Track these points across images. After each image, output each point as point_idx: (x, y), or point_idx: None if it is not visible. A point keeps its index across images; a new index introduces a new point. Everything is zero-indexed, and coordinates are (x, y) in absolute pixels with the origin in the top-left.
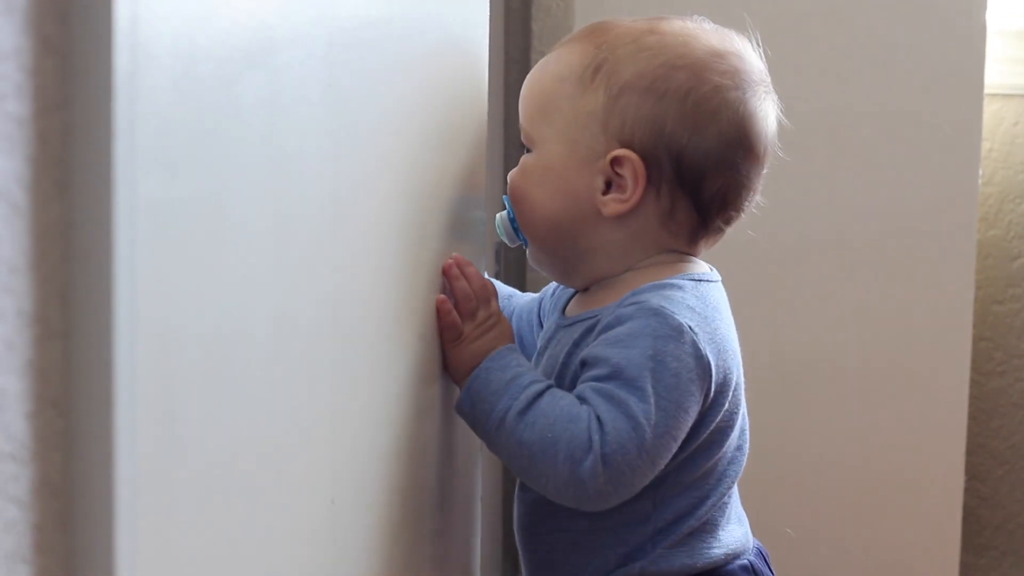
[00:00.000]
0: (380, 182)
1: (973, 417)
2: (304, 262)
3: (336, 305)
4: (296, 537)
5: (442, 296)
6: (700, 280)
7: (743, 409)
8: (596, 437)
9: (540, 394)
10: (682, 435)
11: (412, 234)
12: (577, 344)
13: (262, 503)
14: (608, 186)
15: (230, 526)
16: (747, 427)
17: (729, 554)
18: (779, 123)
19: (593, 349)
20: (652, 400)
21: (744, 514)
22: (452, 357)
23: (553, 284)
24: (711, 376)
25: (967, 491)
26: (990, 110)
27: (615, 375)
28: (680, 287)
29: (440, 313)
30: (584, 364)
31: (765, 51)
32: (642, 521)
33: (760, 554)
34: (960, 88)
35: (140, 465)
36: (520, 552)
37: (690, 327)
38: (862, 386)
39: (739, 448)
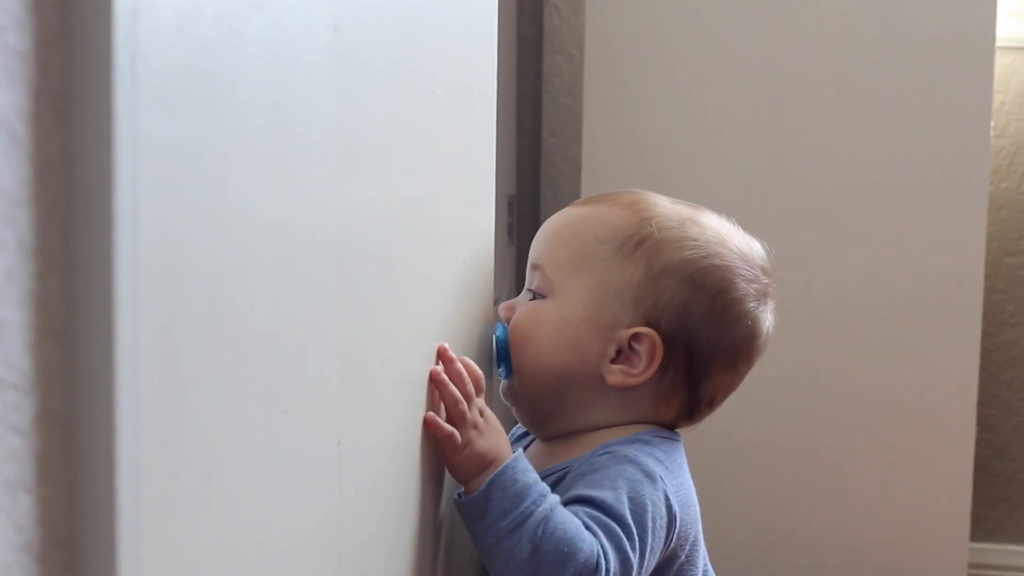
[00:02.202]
0: (385, 125)
1: (985, 369)
2: (308, 203)
3: (342, 245)
4: (303, 476)
5: (429, 414)
6: (665, 437)
7: (708, 565)
8: (603, 565)
9: (558, 505)
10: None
11: (419, 175)
12: None
13: (267, 435)
14: (617, 355)
15: (234, 457)
16: None
17: None
18: (797, 75)
19: (572, 493)
20: (637, 540)
21: None
22: (458, 463)
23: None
24: (675, 526)
25: (979, 442)
26: (1002, 63)
27: (605, 511)
28: (648, 441)
29: (432, 429)
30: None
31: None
32: None
33: None
34: (972, 41)
35: (142, 395)
36: None
37: (661, 476)
38: (874, 339)
39: None
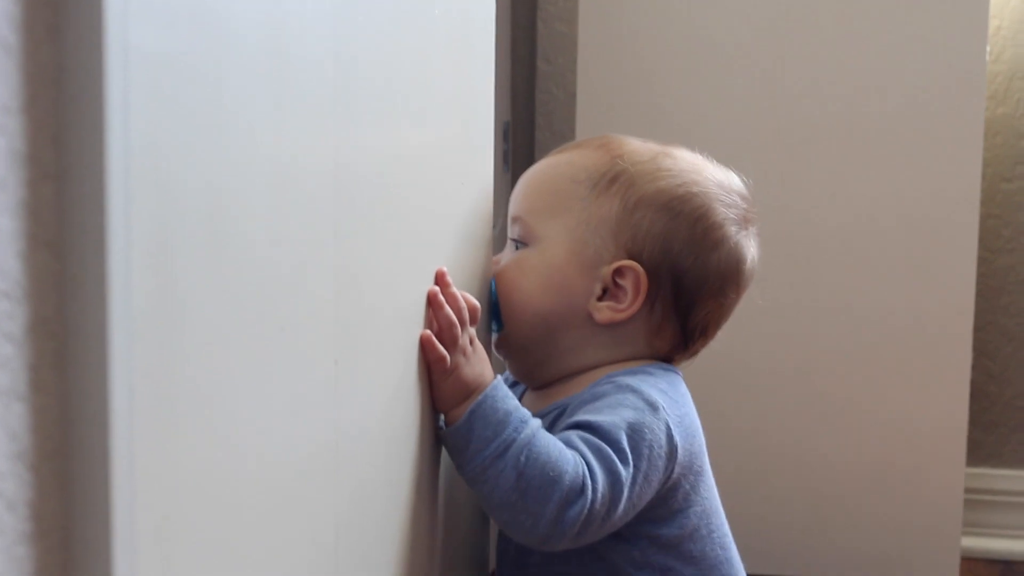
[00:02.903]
0: (383, 45)
1: (981, 294)
2: (304, 122)
3: (339, 164)
4: (300, 394)
5: (426, 332)
6: (666, 370)
7: (714, 494)
8: (589, 485)
9: (540, 430)
10: (641, 505)
11: (417, 96)
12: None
13: (263, 352)
14: (604, 293)
15: (229, 373)
16: (717, 511)
17: None
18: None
19: (572, 419)
20: (631, 464)
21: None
22: (443, 388)
23: None
24: (676, 458)
25: (975, 368)
26: None
27: (600, 435)
28: (651, 373)
29: (426, 348)
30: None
31: None
32: (619, 571)
33: None
34: (965, 46)
35: (135, 306)
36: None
37: (663, 406)
38: (870, 264)
39: (713, 530)
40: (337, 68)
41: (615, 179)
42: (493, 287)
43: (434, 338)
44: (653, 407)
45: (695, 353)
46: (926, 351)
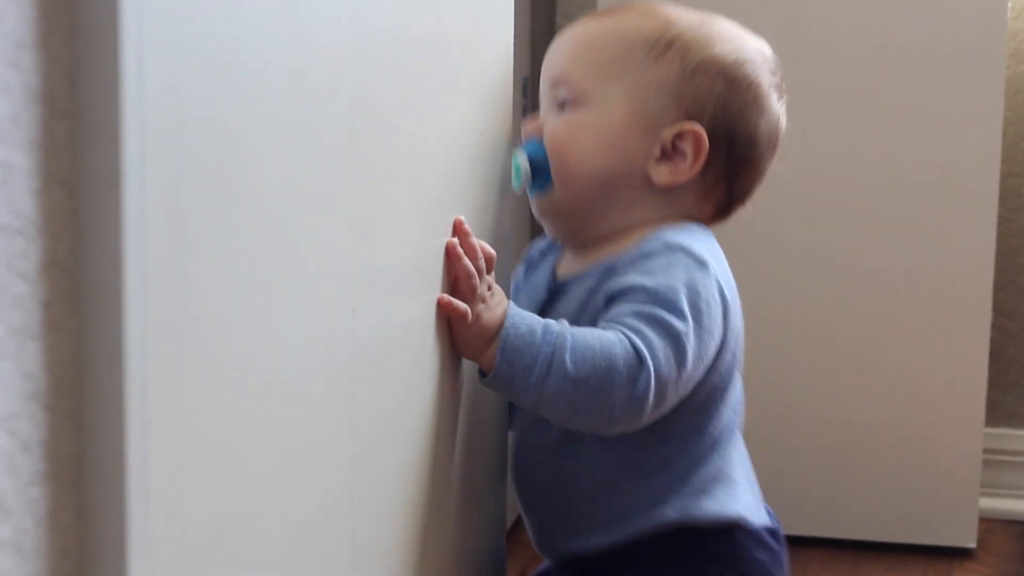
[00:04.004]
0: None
1: (1001, 253)
2: (321, 66)
3: (356, 98)
4: (316, 340)
5: (443, 297)
6: (707, 231)
7: (742, 361)
8: (646, 353)
9: (572, 331)
10: (708, 362)
11: (434, 29)
12: (595, 289)
13: (279, 296)
14: (662, 155)
15: (244, 314)
16: (741, 381)
17: (752, 512)
18: None
19: (624, 279)
20: (690, 322)
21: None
22: (468, 338)
23: (519, 272)
24: (729, 311)
25: (994, 327)
26: None
27: (653, 300)
28: (695, 232)
29: (447, 309)
30: (612, 299)
31: None
32: (662, 467)
33: (778, 524)
34: (987, 16)
35: (149, 244)
36: (524, 510)
37: (712, 264)
38: (889, 224)
39: (739, 406)
40: (352, 22)
41: (671, 44)
42: (537, 147)
43: (452, 300)
44: (703, 264)
45: (729, 217)
46: (945, 311)
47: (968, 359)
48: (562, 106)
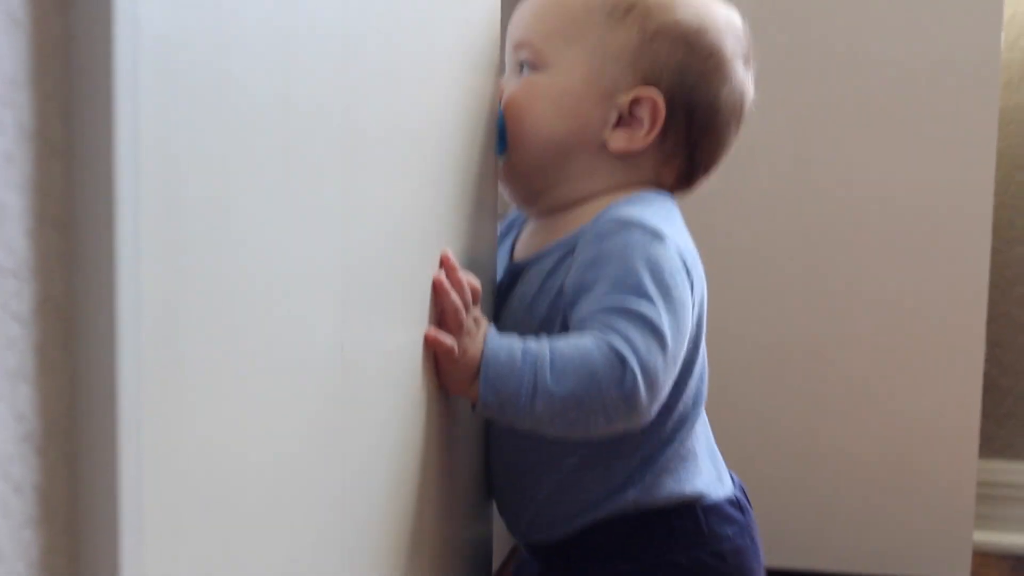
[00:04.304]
0: (389, 28)
1: (994, 285)
2: (312, 110)
3: (344, 144)
4: (304, 381)
5: (430, 331)
6: (664, 195)
7: (704, 334)
8: (625, 350)
9: (550, 348)
10: (688, 333)
11: (425, 63)
12: (552, 272)
13: (269, 337)
14: (618, 121)
15: (235, 349)
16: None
17: (712, 483)
18: None
19: (582, 272)
20: (659, 302)
21: (717, 450)
22: (454, 373)
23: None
24: (691, 276)
25: (988, 359)
26: None
27: (617, 289)
28: (649, 201)
29: (434, 345)
30: (576, 295)
31: None
32: (633, 450)
33: (742, 490)
34: (981, 26)
35: (143, 284)
36: (497, 498)
37: (667, 234)
38: (882, 254)
39: (703, 373)
40: (347, 59)
41: (631, 8)
42: (500, 112)
43: (439, 335)
44: (658, 236)
45: (695, 188)
46: (938, 342)
47: (962, 391)
48: (522, 69)
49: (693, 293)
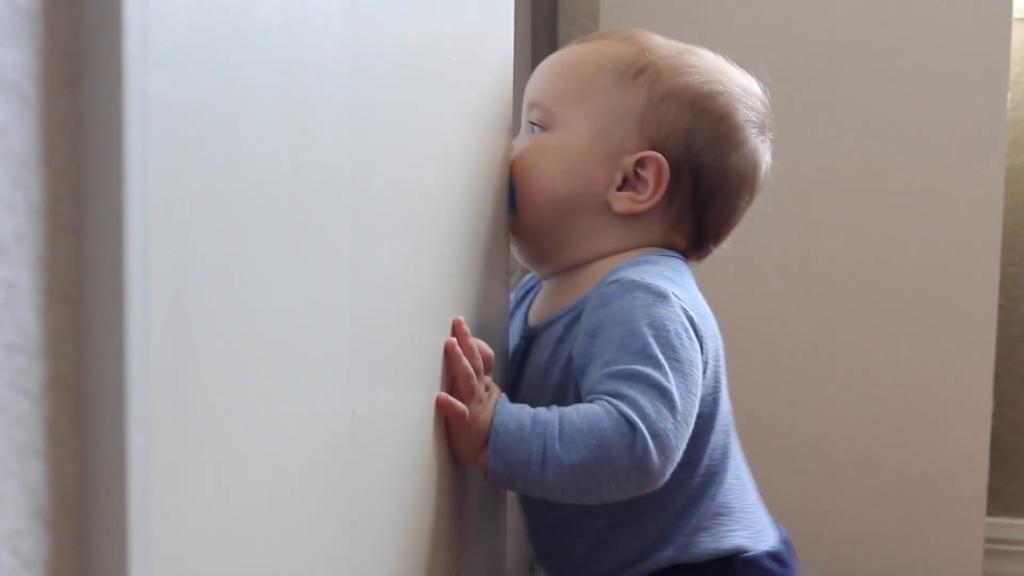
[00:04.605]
0: (398, 92)
1: (1001, 343)
2: (322, 176)
3: (354, 211)
4: (314, 448)
5: (441, 395)
6: (671, 256)
7: (725, 382)
8: (634, 416)
9: (560, 416)
10: (699, 391)
11: (435, 126)
12: (562, 339)
13: (278, 404)
14: (624, 183)
15: (244, 422)
16: (728, 402)
17: (754, 537)
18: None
19: (586, 343)
20: (665, 364)
21: (762, 506)
22: (465, 439)
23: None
24: (701, 336)
25: (995, 416)
26: (1020, 34)
27: (622, 352)
28: (654, 261)
29: (446, 408)
30: (576, 359)
31: None
32: (659, 508)
33: (785, 543)
34: (989, 13)
35: (152, 360)
36: (537, 559)
37: (674, 293)
38: (890, 312)
39: (729, 426)
40: (354, 121)
41: (642, 71)
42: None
43: (451, 399)
44: (662, 296)
45: (706, 255)
46: (946, 400)
47: (969, 448)
48: (532, 129)
49: (704, 349)
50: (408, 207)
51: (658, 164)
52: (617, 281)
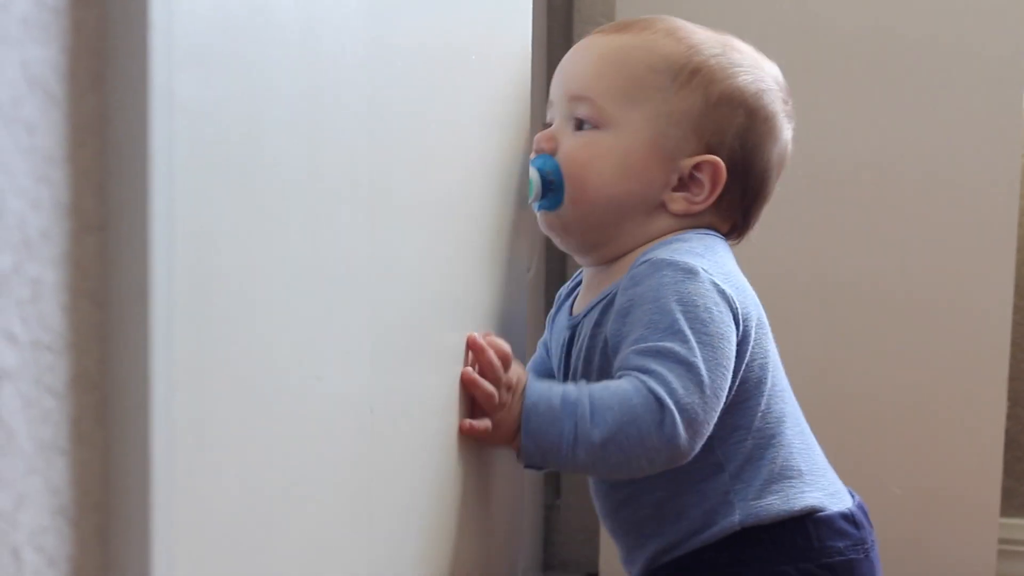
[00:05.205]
0: (417, 91)
1: (1016, 343)
2: (341, 175)
3: (372, 210)
4: (334, 445)
5: (466, 370)
6: (704, 233)
7: (774, 350)
8: (663, 392)
9: (589, 394)
10: (731, 364)
11: (454, 124)
12: (599, 323)
13: (298, 405)
14: (679, 183)
15: (265, 420)
16: (781, 369)
17: (826, 498)
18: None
19: (618, 323)
20: (692, 339)
21: (832, 469)
22: (500, 423)
23: (551, 314)
24: (735, 307)
25: (1010, 417)
26: None
27: (651, 330)
28: (685, 239)
29: (470, 385)
30: (609, 340)
31: None
32: (717, 471)
33: (861, 507)
34: (1006, 13)
35: (177, 357)
36: (612, 537)
37: (703, 268)
38: (905, 312)
39: (785, 391)
40: (373, 113)
41: (695, 72)
42: (551, 164)
43: (474, 423)
44: (691, 272)
45: (743, 238)
46: (960, 400)
47: (983, 449)
48: (580, 124)
49: (744, 319)
50: (426, 205)
51: (715, 167)
52: (647, 261)
